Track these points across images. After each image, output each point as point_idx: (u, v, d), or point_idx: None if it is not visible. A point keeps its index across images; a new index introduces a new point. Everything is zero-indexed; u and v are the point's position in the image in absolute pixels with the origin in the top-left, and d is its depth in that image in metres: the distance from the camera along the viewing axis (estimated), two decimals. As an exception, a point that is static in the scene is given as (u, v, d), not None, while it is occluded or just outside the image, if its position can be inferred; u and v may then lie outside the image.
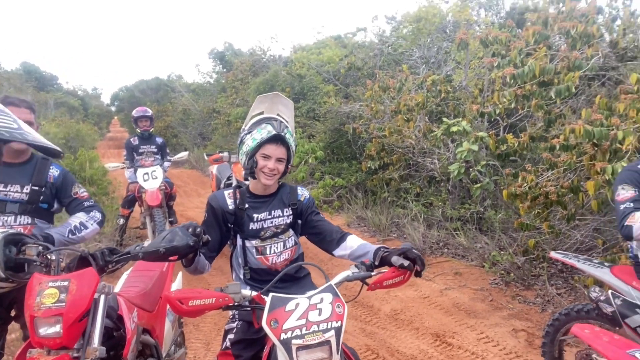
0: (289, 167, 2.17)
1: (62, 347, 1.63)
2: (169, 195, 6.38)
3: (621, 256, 3.74)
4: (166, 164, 6.50)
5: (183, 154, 6.99)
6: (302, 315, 1.63)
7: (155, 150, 6.46)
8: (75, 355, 1.65)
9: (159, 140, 6.65)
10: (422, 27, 8.23)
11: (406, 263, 1.81)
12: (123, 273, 2.80)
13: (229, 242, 2.25)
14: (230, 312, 2.27)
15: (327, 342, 1.60)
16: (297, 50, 14.03)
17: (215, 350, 3.88)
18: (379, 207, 7.26)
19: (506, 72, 4.31)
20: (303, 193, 2.28)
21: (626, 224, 2.33)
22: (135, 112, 6.51)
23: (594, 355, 2.74)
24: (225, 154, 5.95)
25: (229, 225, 2.16)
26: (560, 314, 2.99)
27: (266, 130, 2.04)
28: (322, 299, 1.67)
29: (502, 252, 5.20)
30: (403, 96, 6.49)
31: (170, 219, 6.32)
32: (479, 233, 5.80)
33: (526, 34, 4.43)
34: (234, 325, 2.17)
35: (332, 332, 1.60)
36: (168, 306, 2.75)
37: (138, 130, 6.44)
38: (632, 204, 2.36)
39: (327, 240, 2.18)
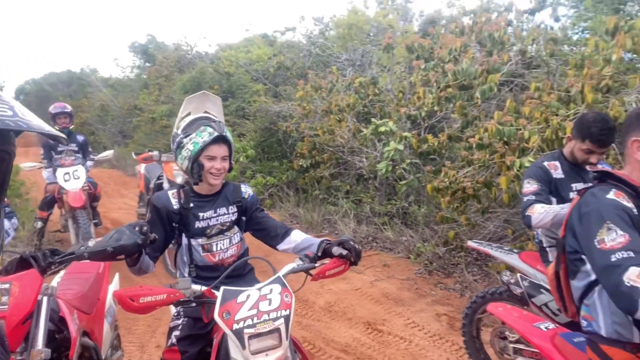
0: (232, 163, 2.24)
1: (5, 351, 1.59)
2: (92, 196, 6.08)
3: (528, 243, 4.21)
4: (89, 163, 6.19)
5: (107, 153, 6.67)
6: (253, 305, 1.72)
7: (76, 148, 6.12)
8: (19, 358, 1.62)
9: (80, 138, 6.30)
10: (353, 33, 8.55)
11: (345, 252, 1.97)
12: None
13: (172, 242, 2.27)
14: (174, 310, 2.29)
15: (277, 330, 1.71)
16: (225, 48, 13.84)
17: (150, 353, 3.82)
18: (311, 204, 7.45)
19: (448, 68, 4.63)
20: (247, 190, 2.36)
21: (527, 214, 2.67)
22: (52, 109, 6.11)
23: (506, 332, 3.10)
24: (156, 152, 5.79)
25: (174, 224, 2.19)
26: (477, 297, 3.32)
27: (207, 133, 2.08)
28: (271, 290, 1.78)
29: (425, 244, 5.59)
30: (334, 97, 6.73)
31: (94, 221, 6.03)
32: (404, 227, 6.17)
33: (449, 42, 4.83)
34: (179, 322, 2.20)
35: (282, 320, 1.71)
36: (106, 308, 2.70)
37: (56, 127, 6.05)
38: (533, 197, 2.71)
39: (272, 236, 2.28)
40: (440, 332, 4.05)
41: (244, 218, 2.33)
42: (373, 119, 5.36)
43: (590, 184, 1.83)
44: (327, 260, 2.02)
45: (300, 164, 7.82)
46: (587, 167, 2.79)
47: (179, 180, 5.71)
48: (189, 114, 2.25)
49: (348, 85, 7.16)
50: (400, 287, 5.03)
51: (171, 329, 2.20)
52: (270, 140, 9.14)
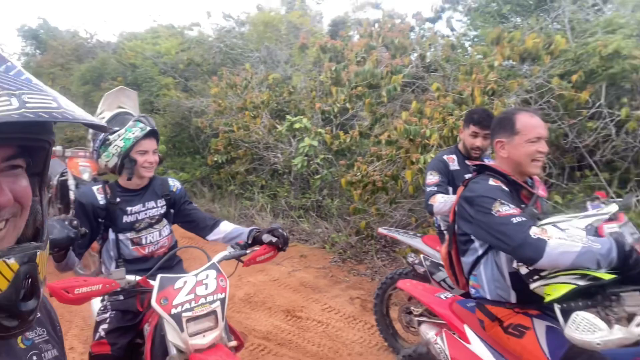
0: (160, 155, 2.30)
1: None
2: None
3: (429, 229, 4.70)
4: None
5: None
6: (191, 290, 1.83)
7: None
8: None
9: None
10: (269, 31, 8.66)
11: (274, 240, 2.15)
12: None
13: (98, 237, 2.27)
14: (99, 305, 2.30)
15: (214, 312, 1.84)
16: (129, 37, 13.14)
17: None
18: (227, 199, 7.47)
19: (350, 69, 4.96)
20: (175, 184, 2.43)
21: (430, 203, 3.06)
22: None
23: (412, 308, 3.49)
24: (59, 148, 5.45)
25: (100, 220, 2.20)
26: (387, 277, 3.68)
27: (138, 128, 2.13)
28: (207, 275, 1.90)
29: (339, 234, 5.93)
30: (249, 94, 6.82)
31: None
32: (319, 219, 6.47)
33: (357, 44, 5.19)
34: (106, 315, 2.22)
35: (218, 303, 1.85)
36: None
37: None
38: (435, 188, 3.10)
39: (201, 227, 2.38)
40: (354, 314, 4.38)
41: (172, 211, 2.40)
42: (288, 116, 5.57)
43: (470, 175, 2.20)
44: (257, 248, 2.18)
45: (215, 159, 7.79)
46: (467, 162, 3.23)
47: (86, 176, 5.46)
48: (103, 111, 2.27)
49: (261, 81, 7.29)
50: (316, 275, 5.31)
51: (98, 323, 2.21)
52: (182, 135, 8.95)
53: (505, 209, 1.82)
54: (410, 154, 4.39)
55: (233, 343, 1.95)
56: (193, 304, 1.80)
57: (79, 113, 0.57)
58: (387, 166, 5.07)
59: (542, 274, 1.74)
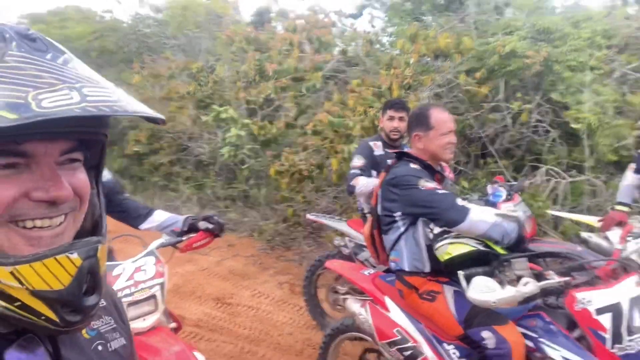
0: None
1: None
2: None
3: (352, 215, 5.00)
4: None
5: None
6: (130, 277, 1.90)
7: None
8: None
9: None
10: (189, 16, 8.45)
11: (210, 226, 2.25)
12: None
13: None
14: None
15: (153, 297, 1.92)
16: (34, 19, 12.09)
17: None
18: (150, 191, 7.29)
19: (270, 66, 5.08)
20: (106, 175, 2.43)
21: (352, 184, 3.33)
22: None
23: (338, 287, 3.75)
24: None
25: None
26: (316, 260, 3.90)
27: None
28: (146, 262, 1.97)
29: (267, 222, 6.07)
30: (173, 83, 6.68)
31: None
32: (247, 208, 6.56)
33: (282, 36, 5.32)
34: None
35: (158, 287, 1.93)
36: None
37: None
38: (359, 171, 3.36)
39: (134, 216, 2.40)
40: (283, 298, 4.56)
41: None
42: (214, 106, 5.57)
43: (390, 162, 2.47)
44: (193, 235, 2.26)
45: (136, 149, 7.54)
46: (388, 151, 3.52)
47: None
48: None
49: (181, 70, 7.16)
50: (245, 263, 5.41)
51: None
52: (97, 126, 8.49)
53: (430, 184, 2.14)
54: (334, 144, 4.63)
55: (173, 325, 2.04)
56: (133, 289, 1.87)
57: (137, 106, 0.55)
58: (312, 156, 5.28)
59: (452, 234, 2.08)
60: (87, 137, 0.60)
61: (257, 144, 6.11)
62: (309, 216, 4.01)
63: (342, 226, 3.77)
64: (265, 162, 5.90)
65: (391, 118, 3.43)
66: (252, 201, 6.74)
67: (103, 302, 0.76)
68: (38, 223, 0.56)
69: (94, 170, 0.66)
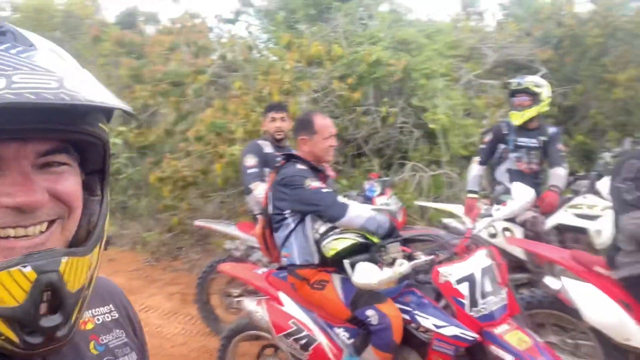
0: None
1: None
2: None
3: (241, 218, 5.06)
4: None
5: None
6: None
7: None
8: None
9: None
10: (43, 19, 7.65)
11: None
12: None
13: None
14: None
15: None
16: None
17: None
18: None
19: (153, 69, 4.89)
20: None
21: (251, 187, 3.41)
22: None
23: (230, 290, 3.81)
24: None
25: None
26: (207, 267, 3.88)
27: None
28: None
29: (151, 233, 5.83)
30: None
31: None
32: (127, 220, 6.21)
33: (161, 40, 5.17)
34: None
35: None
36: None
37: None
38: (256, 170, 3.45)
39: None
40: (174, 309, 4.45)
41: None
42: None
43: (278, 164, 2.64)
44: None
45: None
46: (276, 153, 3.68)
47: None
48: None
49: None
50: (129, 278, 5.14)
51: None
52: None
53: (315, 183, 2.37)
54: (218, 148, 4.66)
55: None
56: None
57: (86, 95, 0.47)
58: (196, 162, 5.22)
59: (336, 231, 2.34)
60: (67, 136, 0.54)
61: (133, 153, 5.84)
62: (198, 222, 4.00)
63: (232, 230, 3.83)
64: (144, 171, 5.66)
65: (273, 119, 3.61)
66: (131, 212, 6.40)
67: (115, 315, 0.74)
68: (11, 232, 0.51)
69: (98, 175, 0.61)
